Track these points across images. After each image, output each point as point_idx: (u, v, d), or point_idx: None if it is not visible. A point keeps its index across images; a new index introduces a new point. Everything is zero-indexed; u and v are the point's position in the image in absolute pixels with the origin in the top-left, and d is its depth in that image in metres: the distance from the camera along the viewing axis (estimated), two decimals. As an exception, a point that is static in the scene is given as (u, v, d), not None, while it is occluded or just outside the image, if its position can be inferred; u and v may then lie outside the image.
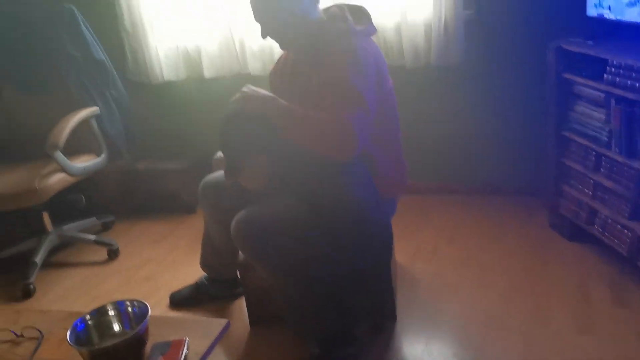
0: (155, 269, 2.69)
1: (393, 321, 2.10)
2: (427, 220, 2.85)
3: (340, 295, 1.90)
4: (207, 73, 3.13)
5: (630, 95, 1.95)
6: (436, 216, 2.89)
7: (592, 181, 2.25)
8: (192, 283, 2.37)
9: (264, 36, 1.88)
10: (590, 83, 2.15)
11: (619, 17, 2.14)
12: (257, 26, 2.90)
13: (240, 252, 2.03)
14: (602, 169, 2.19)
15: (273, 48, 3.00)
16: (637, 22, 2.06)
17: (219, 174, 2.13)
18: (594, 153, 2.21)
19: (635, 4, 2.05)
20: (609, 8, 2.19)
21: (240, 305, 2.27)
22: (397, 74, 2.61)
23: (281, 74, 2.02)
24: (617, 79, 2.00)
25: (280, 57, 2.08)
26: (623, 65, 1.97)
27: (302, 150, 1.70)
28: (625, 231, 2.08)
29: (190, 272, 2.51)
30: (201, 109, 3.30)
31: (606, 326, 1.95)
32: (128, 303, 1.44)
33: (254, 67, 3.05)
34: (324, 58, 1.77)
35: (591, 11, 2.29)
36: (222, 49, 3.08)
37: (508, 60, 2.75)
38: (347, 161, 1.68)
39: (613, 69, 2.02)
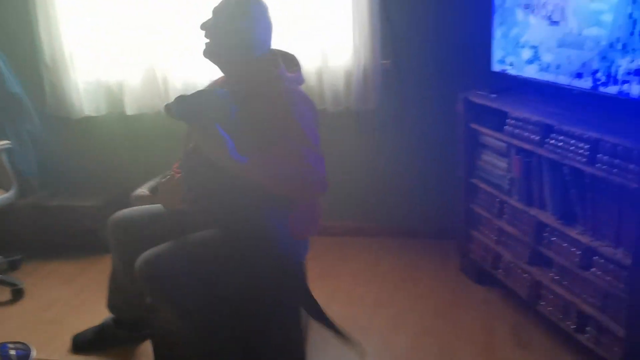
0: (63, 310, 2.57)
1: (303, 366, 2.09)
2: (344, 262, 2.88)
3: (248, 339, 1.88)
4: (129, 109, 3.10)
5: (527, 146, 2.07)
6: (353, 258, 2.92)
7: (496, 227, 2.35)
8: (97, 325, 2.28)
9: (205, 54, 1.85)
10: (494, 134, 2.27)
11: (519, 73, 2.29)
12: (181, 62, 2.97)
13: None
14: (505, 216, 2.29)
15: (197, 87, 3.01)
16: (534, 78, 2.20)
17: (128, 210, 2.10)
18: (498, 200, 2.31)
19: (533, 62, 2.20)
20: (511, 64, 2.33)
21: (147, 349, 2.19)
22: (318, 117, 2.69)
23: None
24: (516, 130, 2.12)
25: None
26: (521, 118, 2.09)
27: (226, 178, 1.69)
28: (525, 275, 2.17)
29: (99, 314, 2.40)
30: (122, 145, 3.25)
31: (507, 368, 2.01)
32: (11, 345, 1.38)
33: (178, 105, 3.04)
34: (261, 101, 1.77)
35: (496, 67, 2.43)
36: (144, 85, 3.06)
37: (422, 109, 2.87)
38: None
39: (512, 121, 2.14)
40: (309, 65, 2.86)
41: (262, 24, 1.85)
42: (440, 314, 2.38)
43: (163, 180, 1.85)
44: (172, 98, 3.02)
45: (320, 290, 2.54)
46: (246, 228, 1.76)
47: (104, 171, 3.31)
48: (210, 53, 1.84)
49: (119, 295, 2.17)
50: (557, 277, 2.01)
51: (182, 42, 2.96)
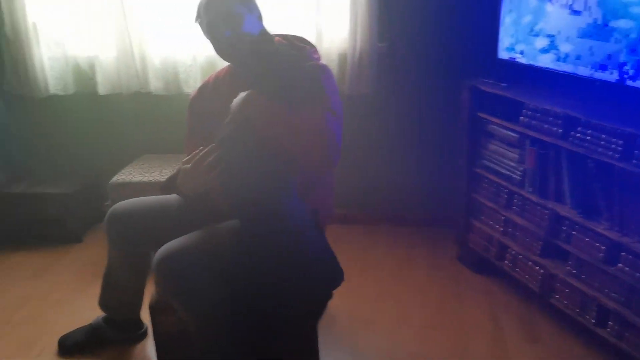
0: (38, 308, 2.35)
1: (316, 363, 2.00)
2: (336, 251, 2.79)
3: (263, 340, 1.77)
4: (102, 89, 2.85)
5: (546, 139, 2.03)
6: (346, 246, 2.83)
7: (503, 218, 2.32)
8: (86, 325, 2.09)
9: (224, 57, 1.78)
10: (505, 124, 2.22)
11: (531, 62, 2.24)
12: (160, 36, 2.75)
13: (156, 291, 1.83)
14: (514, 207, 2.26)
15: (177, 65, 2.81)
16: (549, 68, 2.16)
17: (127, 202, 1.92)
18: (506, 191, 2.28)
19: (548, 51, 2.15)
20: (522, 53, 2.29)
21: (144, 350, 2.04)
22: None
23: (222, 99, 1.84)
24: (533, 122, 2.07)
25: (207, 83, 1.91)
26: (540, 109, 2.05)
27: (249, 165, 1.58)
28: (537, 268, 2.15)
29: (81, 312, 2.23)
30: (93, 127, 3.02)
31: (523, 362, 2.00)
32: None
33: (156, 86, 2.84)
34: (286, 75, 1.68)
35: (503, 54, 2.38)
36: (119, 62, 2.82)
37: (421, 95, 2.79)
38: (328, 170, 1.71)
39: (529, 112, 2.09)
40: (301, 46, 2.72)
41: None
42: (444, 306, 2.33)
43: (185, 161, 1.69)
44: (150, 77, 2.83)
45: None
46: (268, 217, 1.63)
47: (73, 156, 3.08)
48: (224, 54, 1.75)
49: (114, 294, 2.01)
50: (574, 271, 2.00)
51: (162, 13, 2.74)
